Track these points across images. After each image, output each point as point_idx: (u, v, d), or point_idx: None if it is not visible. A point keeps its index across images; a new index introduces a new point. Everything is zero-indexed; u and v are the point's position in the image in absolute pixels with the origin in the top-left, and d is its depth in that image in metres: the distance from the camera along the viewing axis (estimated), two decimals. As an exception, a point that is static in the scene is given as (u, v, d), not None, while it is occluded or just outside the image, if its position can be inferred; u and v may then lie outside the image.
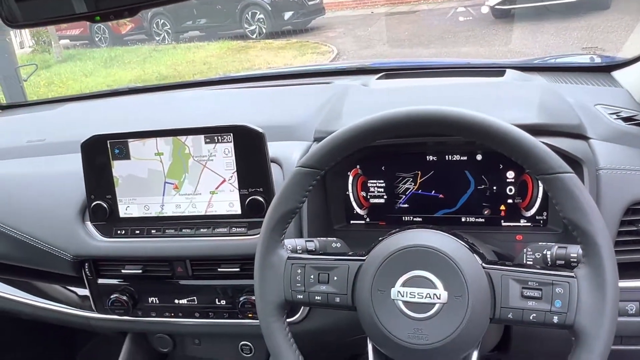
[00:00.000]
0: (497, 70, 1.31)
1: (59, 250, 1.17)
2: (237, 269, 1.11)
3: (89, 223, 1.18)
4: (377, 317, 0.79)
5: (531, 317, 0.75)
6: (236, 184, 1.09)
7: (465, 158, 1.09)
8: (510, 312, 0.76)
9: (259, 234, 1.06)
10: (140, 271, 1.16)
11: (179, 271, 1.16)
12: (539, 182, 0.98)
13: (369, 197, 1.16)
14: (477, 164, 1.08)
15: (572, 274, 0.75)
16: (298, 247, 0.95)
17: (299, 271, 0.85)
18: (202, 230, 1.12)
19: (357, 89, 1.31)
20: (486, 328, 0.78)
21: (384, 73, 1.47)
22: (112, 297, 1.18)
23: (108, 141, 1.12)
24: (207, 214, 1.12)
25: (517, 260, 0.90)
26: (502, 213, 1.09)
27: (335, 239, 0.98)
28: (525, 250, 0.88)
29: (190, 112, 1.45)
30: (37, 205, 1.22)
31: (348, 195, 1.17)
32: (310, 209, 1.09)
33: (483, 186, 1.09)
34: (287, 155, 1.13)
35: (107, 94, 1.85)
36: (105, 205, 1.14)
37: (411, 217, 1.15)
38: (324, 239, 0.98)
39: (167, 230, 1.14)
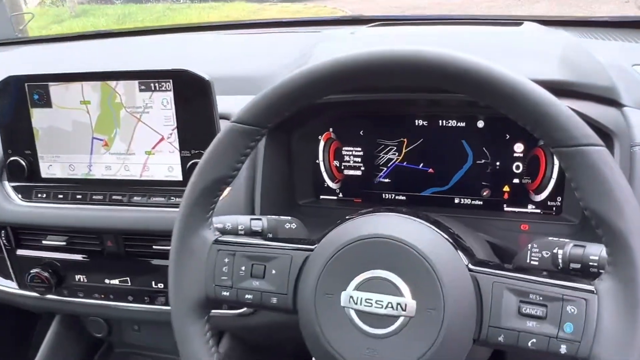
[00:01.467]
0: (512, 22, 1.07)
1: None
2: None
3: (6, 183, 0.98)
4: (320, 329, 0.58)
5: (529, 344, 0.54)
6: (177, 144, 0.88)
7: (463, 124, 0.87)
8: (502, 334, 0.55)
9: None
10: (64, 243, 0.97)
11: (109, 246, 0.96)
12: (555, 157, 0.76)
13: (342, 167, 0.95)
14: (477, 133, 0.86)
15: (591, 288, 0.53)
16: (235, 227, 0.74)
17: (226, 260, 0.65)
18: (135, 198, 0.92)
19: (340, 36, 1.08)
20: (467, 352, 0.57)
21: (380, 22, 1.24)
22: (32, 271, 0.98)
23: (26, 84, 0.92)
24: (142, 178, 0.91)
25: (519, 259, 0.68)
26: (506, 195, 0.87)
27: (289, 218, 0.77)
28: (530, 246, 0.66)
29: (150, 58, 1.23)
30: None
31: (318, 164, 0.96)
32: (267, 178, 0.88)
33: (483, 161, 0.87)
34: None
35: (78, 37, 1.64)
36: (23, 162, 0.94)
37: (393, 195, 0.93)
38: (275, 217, 0.77)
39: (94, 196, 0.94)
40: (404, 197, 0.93)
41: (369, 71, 0.57)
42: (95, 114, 0.90)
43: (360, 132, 0.92)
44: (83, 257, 0.98)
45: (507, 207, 0.87)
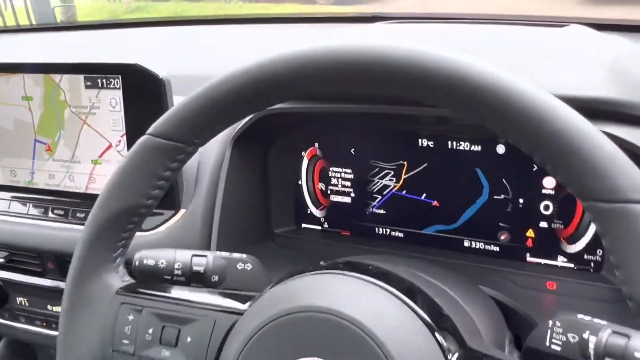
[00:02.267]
0: (555, 24, 0.87)
1: None
2: None
3: (-52, 186, 0.86)
4: None
5: None
6: (125, 153, 0.73)
7: (478, 148, 0.68)
8: None
9: (153, 228, 0.71)
10: (2, 260, 0.83)
11: (50, 268, 0.82)
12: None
13: (329, 192, 0.77)
14: (496, 160, 0.67)
15: None
16: (171, 265, 0.57)
17: (130, 318, 0.49)
18: (78, 215, 0.78)
19: (343, 32, 0.91)
20: None
21: (400, 20, 1.06)
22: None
23: (-33, 74, 0.79)
24: (88, 192, 0.77)
25: (536, 337, 0.48)
26: (529, 242, 0.68)
27: (244, 256, 0.59)
28: (551, 323, 0.47)
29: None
30: None
31: (300, 185, 0.79)
32: (232, 199, 0.72)
33: (502, 196, 0.68)
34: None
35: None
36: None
37: (388, 231, 0.75)
38: (226, 255, 0.60)
39: (33, 209, 0.80)
40: (401, 234, 0.75)
41: (320, 72, 0.40)
42: (38, 112, 0.76)
43: (352, 151, 0.74)
44: (23, 278, 0.84)
45: (530, 257, 0.68)
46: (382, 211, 0.75)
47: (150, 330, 0.48)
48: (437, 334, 0.41)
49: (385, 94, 0.42)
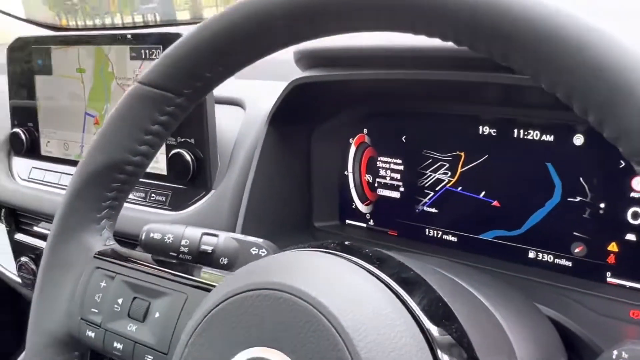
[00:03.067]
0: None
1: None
2: None
3: (14, 158, 0.89)
4: None
5: None
6: (164, 129, 0.70)
7: (550, 138, 0.56)
8: None
9: (183, 208, 0.67)
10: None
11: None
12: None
13: (376, 184, 0.69)
14: (572, 154, 0.55)
15: None
16: (177, 242, 0.52)
17: (102, 284, 0.44)
18: (116, 190, 0.75)
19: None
20: None
21: None
22: (21, 259, 0.87)
23: (32, 46, 0.81)
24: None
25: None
26: (611, 258, 0.54)
27: (260, 241, 0.52)
28: (617, 354, 0.34)
29: None
30: None
31: (346, 176, 0.71)
32: (266, 184, 0.66)
33: (578, 198, 0.55)
34: (254, 95, 0.71)
35: None
36: (23, 136, 0.83)
37: (439, 233, 0.65)
38: (240, 237, 0.53)
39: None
40: (454, 238, 0.64)
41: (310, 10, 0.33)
42: (89, 85, 0.76)
43: (403, 138, 0.65)
44: None
45: (611, 277, 0.54)
46: (433, 210, 0.64)
47: (120, 301, 0.42)
48: (429, 333, 0.31)
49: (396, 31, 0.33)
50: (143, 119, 0.42)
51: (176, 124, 0.43)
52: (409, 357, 0.29)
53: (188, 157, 0.67)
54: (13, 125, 0.85)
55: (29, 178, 0.85)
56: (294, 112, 0.64)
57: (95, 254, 0.45)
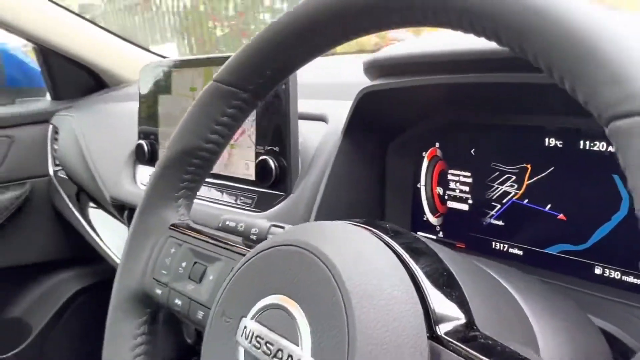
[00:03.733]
0: None
1: (104, 187, 1.05)
2: None
3: (138, 166, 1.03)
4: None
5: None
6: (254, 138, 0.78)
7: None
8: None
9: (266, 209, 0.74)
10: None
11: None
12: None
13: (446, 197, 0.70)
14: (640, 164, 0.53)
15: None
16: (248, 230, 0.58)
17: (172, 250, 0.51)
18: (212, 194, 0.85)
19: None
20: None
21: None
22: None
23: (162, 69, 0.94)
24: (224, 173, 0.83)
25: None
26: (682, 276, 0.51)
27: None
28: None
29: None
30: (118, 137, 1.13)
31: (419, 189, 0.73)
32: (339, 191, 0.71)
33: (646, 211, 0.53)
34: (338, 111, 0.77)
35: None
36: (146, 147, 0.97)
37: (505, 247, 0.64)
38: None
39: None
40: (520, 252, 0.63)
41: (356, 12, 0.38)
42: (199, 101, 0.87)
43: (472, 151, 0.67)
44: None
45: (683, 297, 0.51)
46: (500, 222, 0.65)
47: (184, 264, 0.49)
48: (425, 292, 0.33)
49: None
50: (215, 112, 0.49)
51: (243, 117, 0.50)
52: (399, 307, 0.32)
53: (272, 164, 0.74)
54: (139, 138, 0.99)
55: (144, 184, 0.97)
56: (367, 122, 0.69)
57: (170, 225, 0.52)
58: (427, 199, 0.72)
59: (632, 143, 0.25)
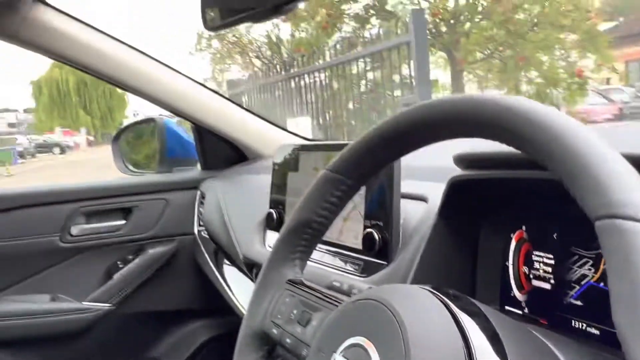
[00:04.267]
0: None
1: (238, 247, 1.23)
2: None
3: (269, 231, 1.20)
4: None
5: None
6: (362, 212, 0.91)
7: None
8: None
9: (369, 275, 0.87)
10: None
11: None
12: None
13: (531, 276, 0.77)
14: None
15: None
16: (349, 290, 0.72)
17: (287, 300, 0.65)
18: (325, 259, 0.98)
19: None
20: None
21: None
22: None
23: (293, 150, 1.13)
24: (336, 241, 0.97)
25: None
26: None
27: None
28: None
29: None
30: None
31: (507, 267, 0.81)
32: (432, 264, 0.81)
33: None
34: (434, 193, 0.88)
35: None
36: (275, 215, 1.14)
37: (584, 325, 0.70)
38: None
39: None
40: (597, 332, 0.68)
41: (450, 120, 0.50)
42: (320, 179, 1.03)
43: (554, 235, 0.74)
44: None
45: None
46: (578, 302, 0.71)
47: (295, 312, 0.63)
48: (472, 350, 0.43)
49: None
50: (325, 193, 0.64)
51: (348, 198, 0.64)
52: (447, 356, 0.42)
53: (377, 236, 0.86)
54: (270, 207, 1.17)
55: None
56: (459, 205, 0.79)
57: (287, 280, 0.66)
58: (514, 276, 0.80)
59: (609, 241, 0.34)
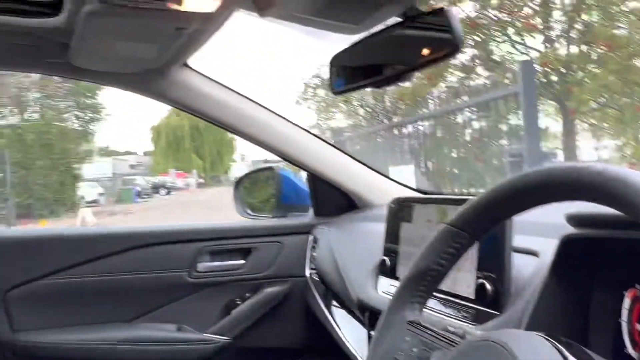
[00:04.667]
0: None
1: (351, 290, 1.32)
2: None
3: (381, 277, 1.28)
4: None
5: None
6: (475, 263, 0.97)
7: None
8: None
9: (481, 323, 0.93)
10: None
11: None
12: None
13: (645, 334, 0.79)
14: None
15: None
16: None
17: (407, 339, 0.72)
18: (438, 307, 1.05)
19: None
20: None
21: None
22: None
23: (407, 201, 1.22)
24: (451, 290, 1.03)
25: None
26: None
27: None
28: None
29: None
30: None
31: (620, 323, 0.83)
32: (543, 319, 0.85)
33: None
34: (546, 248, 0.92)
35: None
36: (388, 262, 1.23)
37: (702, 386, 0.71)
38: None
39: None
40: None
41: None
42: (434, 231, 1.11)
43: (669, 295, 0.76)
44: None
45: None
46: (695, 363, 0.72)
47: (415, 349, 0.70)
48: None
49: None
50: (443, 244, 0.72)
51: (464, 250, 0.71)
52: None
53: (489, 287, 0.92)
54: (383, 254, 1.26)
55: (386, 292, 1.22)
56: (571, 262, 0.84)
57: (407, 321, 0.74)
58: (628, 334, 0.82)
59: None
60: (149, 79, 1.66)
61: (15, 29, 1.38)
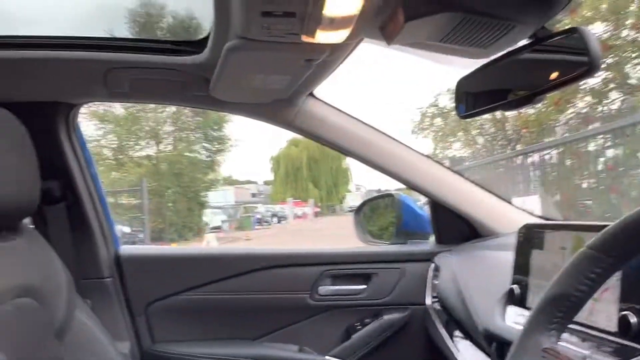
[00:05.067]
0: None
1: (478, 320, 1.29)
2: None
3: (509, 306, 1.24)
4: None
5: None
6: (617, 294, 0.91)
7: None
8: None
9: (632, 358, 0.88)
10: None
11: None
12: None
13: None
14: None
15: None
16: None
17: (544, 366, 0.69)
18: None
19: None
20: None
21: None
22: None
23: (537, 229, 1.17)
24: (585, 322, 0.97)
25: None
26: None
27: None
28: None
29: None
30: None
31: None
32: None
33: None
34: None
35: None
36: (517, 290, 1.18)
37: None
38: None
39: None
40: None
41: None
42: (568, 260, 1.05)
43: None
44: None
45: None
46: None
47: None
48: None
49: None
50: (582, 270, 0.69)
51: (606, 277, 0.68)
52: None
53: (634, 319, 0.85)
54: (512, 283, 1.21)
55: (515, 322, 1.17)
56: None
57: (542, 348, 0.71)
58: None
59: None
60: (278, 108, 1.76)
61: (165, 67, 1.54)
